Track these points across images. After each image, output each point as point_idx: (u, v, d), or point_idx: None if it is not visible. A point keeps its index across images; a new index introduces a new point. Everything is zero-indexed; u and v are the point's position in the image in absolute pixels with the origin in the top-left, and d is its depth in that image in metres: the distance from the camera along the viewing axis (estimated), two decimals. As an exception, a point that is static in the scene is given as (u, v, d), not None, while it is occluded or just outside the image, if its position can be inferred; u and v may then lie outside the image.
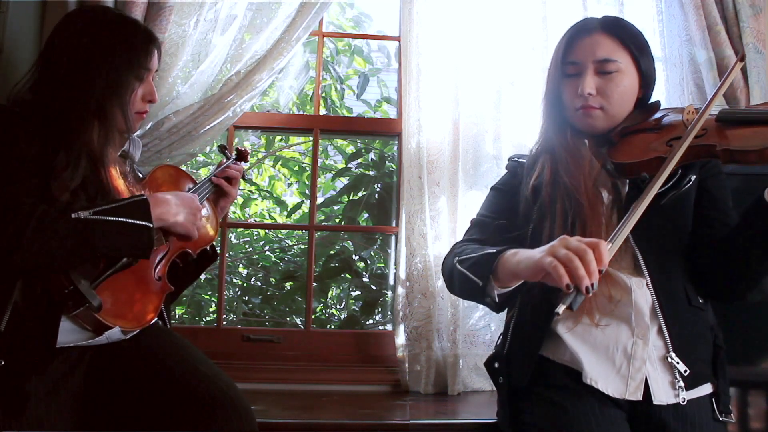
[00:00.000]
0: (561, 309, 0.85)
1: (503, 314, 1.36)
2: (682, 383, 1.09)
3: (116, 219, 1.07)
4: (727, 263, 1.14)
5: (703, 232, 1.20)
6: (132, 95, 1.23)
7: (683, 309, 1.15)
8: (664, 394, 1.09)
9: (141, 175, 1.36)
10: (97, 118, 1.18)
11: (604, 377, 1.10)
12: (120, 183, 1.22)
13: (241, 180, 1.55)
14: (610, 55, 1.20)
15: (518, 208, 1.24)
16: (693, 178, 1.19)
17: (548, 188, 1.19)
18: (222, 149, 1.59)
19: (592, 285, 0.86)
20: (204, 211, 1.39)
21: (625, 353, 1.10)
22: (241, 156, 1.58)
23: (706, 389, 1.14)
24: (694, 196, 1.21)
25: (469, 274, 1.10)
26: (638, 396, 1.09)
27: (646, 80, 1.25)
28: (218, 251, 1.49)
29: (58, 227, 1.02)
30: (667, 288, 1.14)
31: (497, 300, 1.08)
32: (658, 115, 1.21)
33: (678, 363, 1.10)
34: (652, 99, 1.29)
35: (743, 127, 1.07)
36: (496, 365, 1.22)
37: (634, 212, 0.97)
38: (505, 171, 1.36)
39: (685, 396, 1.09)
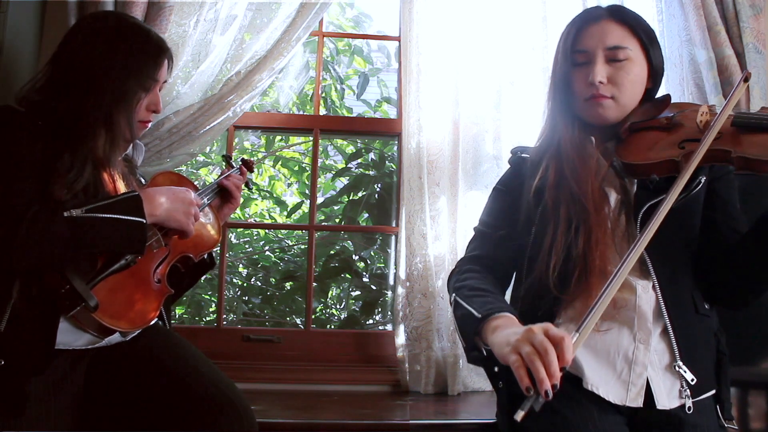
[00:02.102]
0: (520, 415, 0.82)
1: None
2: (688, 392, 1.08)
3: (109, 216, 1.08)
4: (734, 272, 1.12)
5: (710, 236, 1.17)
6: (137, 105, 1.24)
7: (690, 317, 1.13)
8: (666, 399, 1.08)
9: (143, 181, 1.37)
10: (104, 126, 1.18)
11: (604, 383, 1.08)
12: (121, 186, 1.23)
13: (245, 188, 1.56)
14: (621, 42, 1.17)
15: (520, 211, 1.22)
16: (703, 180, 1.15)
17: (552, 191, 1.16)
18: (226, 159, 1.60)
19: (554, 386, 0.83)
20: (207, 218, 1.39)
21: (626, 358, 1.09)
22: (246, 166, 1.59)
23: (709, 393, 1.13)
24: (703, 199, 1.19)
25: (458, 327, 1.10)
26: (639, 402, 1.07)
27: (655, 71, 1.22)
28: (216, 260, 1.50)
29: (51, 227, 1.02)
30: (674, 295, 1.12)
31: (485, 354, 1.04)
32: (669, 113, 1.17)
33: (685, 372, 1.08)
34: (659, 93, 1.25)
35: (760, 133, 1.03)
36: (496, 369, 1.18)
37: (620, 272, 0.93)
38: (508, 166, 1.34)
39: (691, 405, 1.08)
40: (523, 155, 1.30)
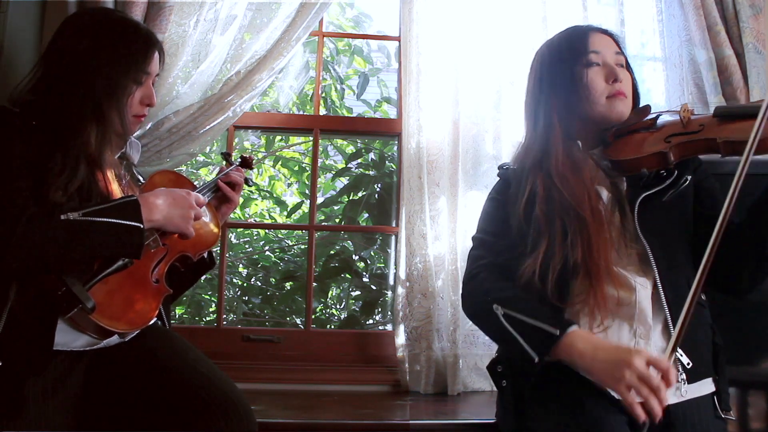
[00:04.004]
0: None
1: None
2: (684, 375, 1.09)
3: (106, 220, 1.07)
4: (740, 257, 1.14)
5: (706, 228, 1.17)
6: (129, 98, 1.23)
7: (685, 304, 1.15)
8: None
9: (141, 179, 1.36)
10: (94, 120, 1.17)
11: None
12: (115, 186, 1.22)
13: (244, 185, 1.55)
14: (619, 50, 1.24)
15: (515, 221, 1.21)
16: (689, 178, 1.19)
17: (542, 205, 1.16)
18: (226, 156, 1.59)
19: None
20: (205, 217, 1.38)
21: None
22: (246, 163, 1.58)
23: (707, 387, 1.14)
24: (692, 197, 1.22)
25: (522, 342, 1.07)
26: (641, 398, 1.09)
27: (635, 88, 1.27)
28: (216, 259, 1.49)
29: (47, 229, 1.02)
30: (673, 283, 1.13)
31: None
32: (652, 116, 1.22)
33: (681, 355, 1.09)
34: (645, 102, 1.28)
35: (740, 121, 1.09)
36: (499, 369, 1.21)
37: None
38: (498, 179, 1.34)
39: (687, 389, 1.09)
40: (512, 167, 1.30)
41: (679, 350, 1.09)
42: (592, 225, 1.11)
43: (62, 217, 1.03)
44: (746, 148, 1.01)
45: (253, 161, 1.61)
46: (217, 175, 1.48)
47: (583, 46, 1.22)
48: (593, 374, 1.03)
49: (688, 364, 1.10)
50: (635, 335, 1.11)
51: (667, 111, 1.24)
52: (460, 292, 1.25)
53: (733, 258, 1.14)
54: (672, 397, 1.09)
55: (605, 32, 1.26)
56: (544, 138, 1.22)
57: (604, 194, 1.19)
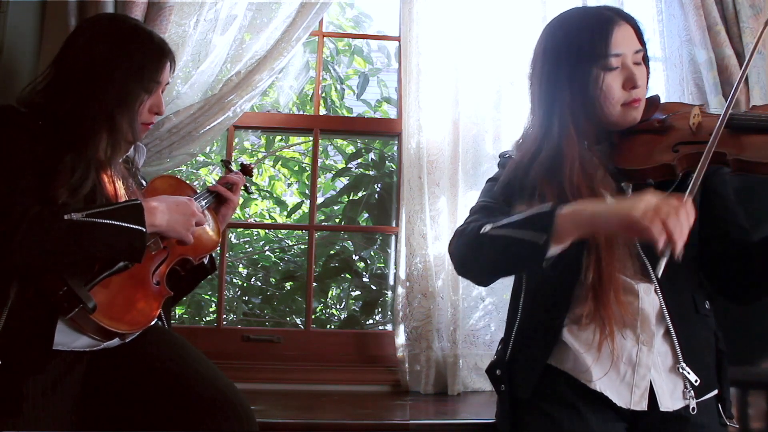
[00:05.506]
0: (660, 272, 0.91)
1: (503, 315, 1.35)
2: (692, 392, 1.08)
3: (109, 222, 1.07)
4: (752, 271, 1.11)
5: (714, 233, 1.16)
6: (140, 107, 1.24)
7: (691, 317, 1.13)
8: (669, 401, 1.08)
9: (144, 183, 1.37)
10: (106, 128, 1.18)
11: (608, 386, 1.08)
12: (120, 189, 1.23)
13: (244, 191, 1.55)
14: (640, 45, 1.14)
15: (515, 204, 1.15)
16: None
17: None
18: (226, 164, 1.59)
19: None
20: (207, 222, 1.38)
21: (630, 361, 1.08)
22: (245, 170, 1.58)
23: (711, 393, 1.13)
24: (700, 198, 1.17)
25: (517, 234, 1.00)
26: (643, 405, 1.07)
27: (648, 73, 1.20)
28: (216, 264, 1.50)
29: (50, 228, 1.02)
30: (675, 296, 1.11)
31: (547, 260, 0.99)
32: (660, 114, 1.16)
33: (689, 373, 1.08)
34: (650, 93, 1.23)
35: (755, 135, 1.02)
36: (498, 372, 1.19)
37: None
38: (499, 168, 1.30)
39: (695, 406, 1.08)
40: (513, 157, 1.26)
41: (686, 368, 1.08)
42: (604, 246, 1.08)
43: (65, 217, 1.03)
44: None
45: (253, 168, 1.61)
46: (217, 181, 1.50)
47: (605, 47, 1.11)
48: (598, 214, 0.96)
49: (696, 381, 1.08)
50: (638, 341, 1.09)
51: (680, 106, 1.17)
52: (448, 249, 1.18)
53: (748, 275, 1.12)
54: (677, 402, 1.08)
55: (629, 21, 1.14)
56: (558, 141, 1.14)
57: (608, 199, 1.13)
